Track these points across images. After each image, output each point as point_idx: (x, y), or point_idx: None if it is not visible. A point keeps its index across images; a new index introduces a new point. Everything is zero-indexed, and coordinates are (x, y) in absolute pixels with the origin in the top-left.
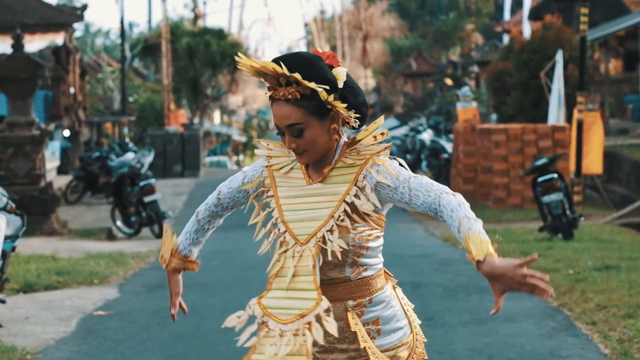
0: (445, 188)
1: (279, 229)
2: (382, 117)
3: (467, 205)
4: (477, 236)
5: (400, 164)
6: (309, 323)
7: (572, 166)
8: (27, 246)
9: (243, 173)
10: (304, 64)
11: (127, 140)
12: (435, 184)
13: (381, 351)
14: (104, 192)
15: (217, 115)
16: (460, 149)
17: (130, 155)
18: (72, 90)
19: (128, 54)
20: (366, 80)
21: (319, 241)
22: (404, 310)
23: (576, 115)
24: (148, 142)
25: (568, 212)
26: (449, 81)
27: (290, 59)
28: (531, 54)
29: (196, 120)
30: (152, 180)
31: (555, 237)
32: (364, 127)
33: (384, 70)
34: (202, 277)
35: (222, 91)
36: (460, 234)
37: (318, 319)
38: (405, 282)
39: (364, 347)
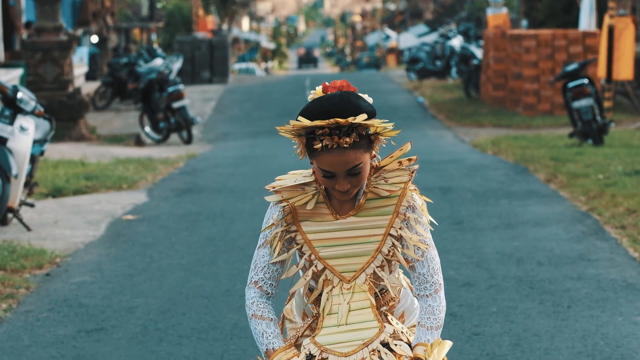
0: (442, 285)
1: (315, 267)
2: (409, 144)
3: (442, 314)
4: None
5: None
6: (374, 350)
7: (603, 72)
8: (56, 152)
9: (265, 243)
10: (354, 105)
11: (155, 46)
12: (440, 272)
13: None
14: (132, 98)
15: (245, 22)
16: (491, 55)
17: (158, 61)
18: None
19: None
20: None
21: (369, 277)
22: None
23: (607, 20)
24: (176, 48)
25: (598, 117)
26: None
27: (340, 106)
28: None
29: (225, 26)
30: (181, 86)
31: (585, 142)
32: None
33: None
34: (231, 182)
35: None
36: (420, 330)
37: (384, 344)
38: (434, 187)
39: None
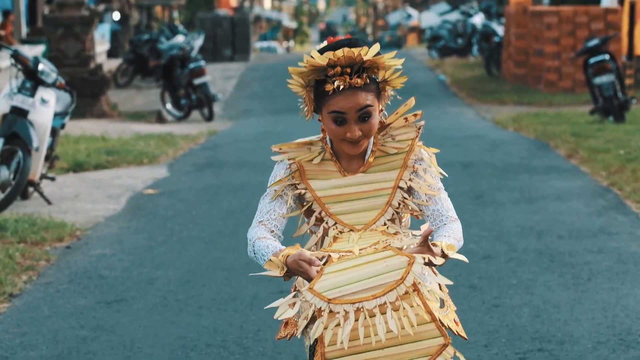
0: (458, 220)
1: (327, 223)
2: (413, 99)
3: (459, 234)
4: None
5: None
6: (414, 284)
7: (625, 48)
8: (77, 127)
9: (274, 195)
10: (362, 45)
11: (177, 23)
12: (453, 210)
13: None
14: (154, 75)
15: (267, 0)
16: (512, 31)
17: (180, 38)
18: None
19: None
20: None
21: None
22: None
23: None
24: (198, 25)
25: (620, 94)
26: None
27: (349, 47)
28: None
29: (246, 4)
30: (202, 63)
31: (606, 119)
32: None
33: None
34: (252, 157)
35: None
36: (439, 234)
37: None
38: (455, 161)
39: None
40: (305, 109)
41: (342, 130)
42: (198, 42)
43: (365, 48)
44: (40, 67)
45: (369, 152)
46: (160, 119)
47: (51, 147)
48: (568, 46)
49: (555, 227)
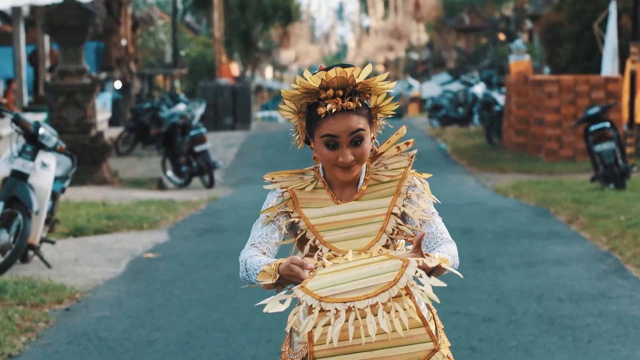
0: (453, 242)
1: (320, 250)
2: (404, 127)
3: (455, 252)
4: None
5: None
6: (407, 288)
7: (625, 117)
8: (78, 194)
9: (266, 220)
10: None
11: (178, 92)
12: (448, 233)
13: None
14: (155, 143)
15: (269, 71)
16: (513, 100)
17: (181, 107)
18: (123, 42)
19: (180, 6)
20: (418, 35)
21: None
22: None
23: (629, 66)
24: (199, 94)
25: (620, 161)
26: (501, 36)
27: (346, 67)
28: (584, 5)
29: (248, 73)
30: (203, 130)
31: (607, 187)
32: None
33: (437, 25)
34: (252, 223)
35: (273, 45)
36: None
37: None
38: (455, 227)
39: None
40: (297, 137)
41: (334, 155)
42: (199, 110)
43: (357, 69)
44: (41, 131)
45: (361, 180)
46: (161, 186)
47: (51, 211)
48: (569, 115)
49: (555, 291)
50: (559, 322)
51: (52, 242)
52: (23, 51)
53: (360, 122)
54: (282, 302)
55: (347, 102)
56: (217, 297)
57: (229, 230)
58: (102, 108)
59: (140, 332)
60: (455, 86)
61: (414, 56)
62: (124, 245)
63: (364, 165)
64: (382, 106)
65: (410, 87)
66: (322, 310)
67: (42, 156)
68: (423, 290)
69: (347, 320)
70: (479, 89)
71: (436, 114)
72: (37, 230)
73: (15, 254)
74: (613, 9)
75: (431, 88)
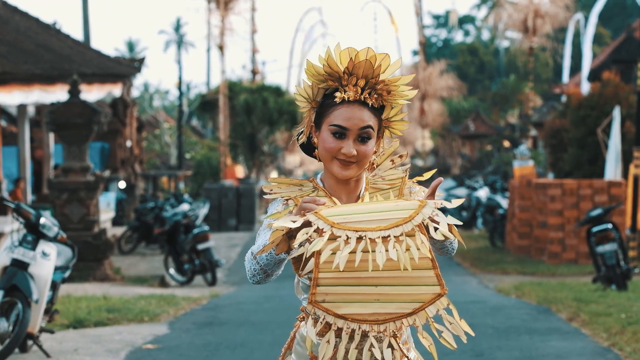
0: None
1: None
2: (397, 140)
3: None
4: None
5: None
6: (421, 227)
7: (628, 221)
8: (80, 290)
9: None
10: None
11: (183, 193)
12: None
13: None
14: (158, 242)
15: (274, 175)
16: (516, 203)
17: (185, 207)
18: (128, 143)
19: (185, 108)
20: (424, 141)
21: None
22: None
23: (632, 170)
24: (203, 194)
25: (622, 263)
26: (506, 143)
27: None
28: (588, 110)
29: (252, 176)
30: (206, 228)
31: (609, 288)
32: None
33: (442, 132)
34: (253, 317)
35: (279, 149)
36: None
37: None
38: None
39: None
40: (302, 130)
41: (338, 145)
42: (203, 210)
43: (387, 58)
44: (42, 220)
45: (362, 189)
46: (163, 283)
47: (51, 301)
48: (572, 218)
49: None
50: None
51: (51, 332)
52: (28, 150)
53: (372, 119)
54: (294, 221)
55: (366, 94)
56: None
57: (229, 324)
58: (106, 207)
59: None
60: (460, 191)
61: (419, 163)
62: (124, 336)
63: (364, 177)
64: (393, 121)
65: None
66: (332, 238)
67: (43, 246)
68: (437, 228)
69: (355, 249)
70: (482, 193)
71: None
72: (37, 319)
73: (14, 343)
74: (617, 114)
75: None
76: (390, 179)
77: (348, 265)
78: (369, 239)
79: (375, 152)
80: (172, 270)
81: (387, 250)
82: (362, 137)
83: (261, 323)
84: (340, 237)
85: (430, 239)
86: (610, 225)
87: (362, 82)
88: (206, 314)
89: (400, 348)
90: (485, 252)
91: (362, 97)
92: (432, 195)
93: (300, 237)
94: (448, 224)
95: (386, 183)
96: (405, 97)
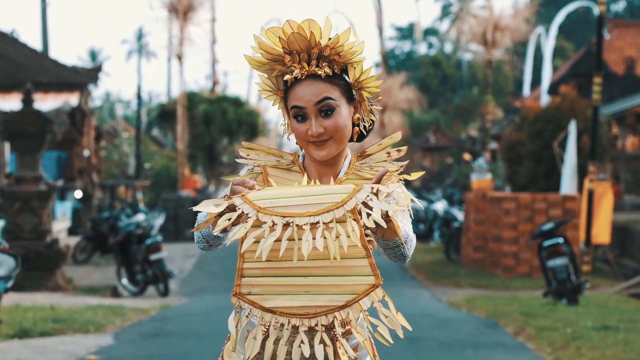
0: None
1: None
2: (399, 132)
3: (411, 231)
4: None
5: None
6: (353, 210)
7: (582, 235)
8: (29, 300)
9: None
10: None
11: (140, 203)
12: (412, 231)
13: None
14: (113, 252)
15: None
16: (471, 217)
17: (140, 217)
18: (86, 152)
19: (145, 118)
20: None
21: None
22: None
23: (587, 184)
24: (161, 205)
25: (573, 277)
26: (467, 155)
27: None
28: (545, 124)
29: (211, 187)
30: (159, 238)
31: (560, 302)
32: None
33: (402, 144)
34: (201, 328)
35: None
36: None
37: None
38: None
39: None
40: (286, 122)
41: (304, 128)
42: (158, 220)
43: (317, 27)
44: None
45: (342, 172)
46: (115, 293)
47: None
48: (526, 232)
49: None
50: None
51: None
52: None
53: (329, 90)
54: (217, 206)
55: (313, 67)
56: None
57: (176, 335)
58: (61, 217)
59: None
60: (419, 204)
61: None
62: (68, 347)
63: (348, 159)
64: (363, 80)
65: None
66: (257, 225)
67: None
68: (370, 214)
69: (281, 237)
70: (440, 205)
71: None
72: None
73: None
74: (573, 128)
75: None
76: (377, 169)
77: (273, 255)
78: (297, 225)
79: (358, 117)
80: (124, 281)
81: (314, 239)
82: (324, 110)
83: (208, 335)
84: (266, 222)
85: (374, 235)
86: (561, 240)
87: (305, 56)
88: (153, 325)
89: (335, 342)
90: (440, 265)
91: (311, 70)
92: (376, 184)
93: (222, 223)
94: (383, 211)
95: (372, 173)
96: (357, 52)
